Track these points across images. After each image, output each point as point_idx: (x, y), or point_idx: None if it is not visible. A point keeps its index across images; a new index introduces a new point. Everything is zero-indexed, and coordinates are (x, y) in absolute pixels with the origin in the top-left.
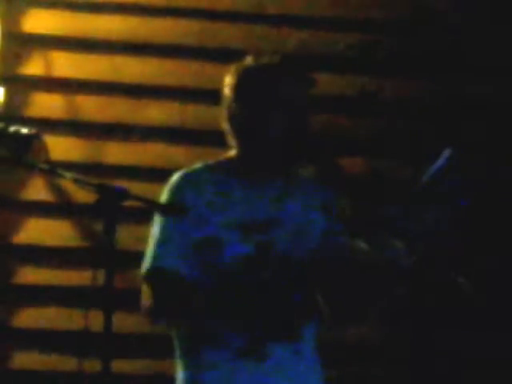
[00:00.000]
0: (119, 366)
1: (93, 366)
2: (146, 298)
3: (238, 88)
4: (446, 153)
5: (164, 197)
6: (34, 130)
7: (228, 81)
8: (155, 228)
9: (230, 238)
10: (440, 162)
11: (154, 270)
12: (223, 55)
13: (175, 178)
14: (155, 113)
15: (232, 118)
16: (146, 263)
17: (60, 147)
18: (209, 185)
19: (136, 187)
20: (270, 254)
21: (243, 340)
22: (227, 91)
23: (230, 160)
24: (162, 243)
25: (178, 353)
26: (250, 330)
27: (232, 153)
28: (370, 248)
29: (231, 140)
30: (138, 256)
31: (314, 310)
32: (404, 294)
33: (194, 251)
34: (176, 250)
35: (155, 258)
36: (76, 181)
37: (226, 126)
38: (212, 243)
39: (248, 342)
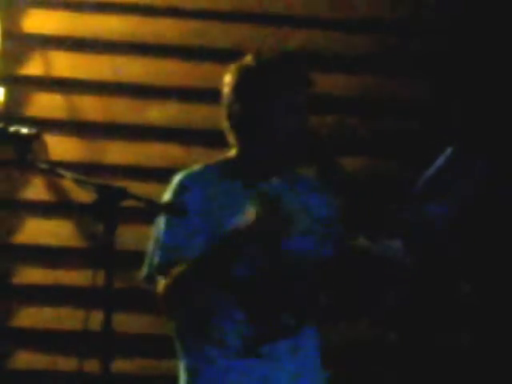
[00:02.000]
0: (119, 366)
1: (93, 366)
2: (159, 290)
3: (237, 87)
4: (448, 151)
5: (167, 198)
6: (33, 130)
7: (228, 80)
8: (160, 228)
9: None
10: (441, 159)
11: (165, 264)
12: (223, 55)
13: (177, 179)
14: (155, 113)
15: (232, 118)
16: (155, 260)
17: (60, 147)
18: (211, 186)
19: (136, 187)
20: (272, 255)
21: (244, 338)
22: (227, 90)
23: (231, 160)
24: (168, 243)
25: (179, 353)
26: (250, 328)
27: (232, 152)
28: (370, 245)
29: (231, 139)
30: (138, 256)
31: (316, 308)
32: (403, 292)
33: (199, 251)
34: (182, 250)
35: (165, 254)
36: (76, 181)
37: (226, 125)
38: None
39: (249, 340)
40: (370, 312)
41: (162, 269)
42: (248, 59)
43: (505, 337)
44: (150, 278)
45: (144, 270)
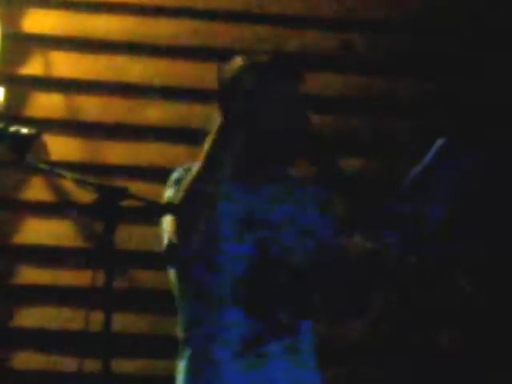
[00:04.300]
0: (119, 365)
1: (93, 366)
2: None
3: (230, 87)
4: (439, 143)
5: (166, 195)
6: (33, 130)
7: (220, 81)
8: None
9: (230, 237)
10: (432, 152)
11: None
12: (223, 55)
13: (175, 175)
14: (155, 113)
15: (225, 118)
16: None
17: (60, 147)
18: None
19: (136, 187)
20: (270, 253)
21: (242, 338)
22: (220, 91)
23: None
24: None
25: (178, 352)
26: (249, 328)
27: None
28: (367, 244)
29: None
30: (138, 256)
31: (312, 308)
32: (399, 292)
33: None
34: None
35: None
36: (76, 181)
37: None
38: (212, 243)
39: (247, 340)
40: (364, 311)
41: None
42: (240, 59)
43: (504, 336)
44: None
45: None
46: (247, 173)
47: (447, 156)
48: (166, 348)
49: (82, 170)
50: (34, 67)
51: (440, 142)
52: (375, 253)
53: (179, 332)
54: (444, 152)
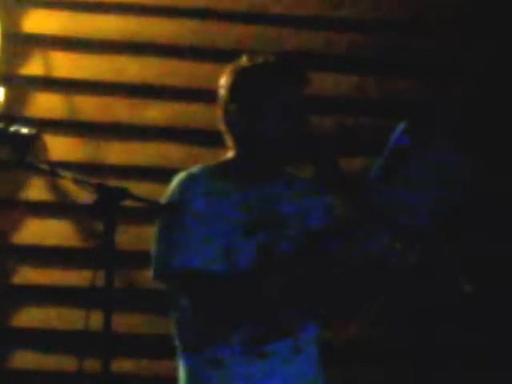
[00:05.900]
0: (119, 366)
1: (93, 365)
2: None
3: (233, 88)
4: (400, 127)
5: (166, 199)
6: (34, 130)
7: (223, 81)
8: (170, 230)
9: (232, 240)
10: (393, 138)
11: (182, 270)
12: (223, 55)
13: (177, 180)
14: (155, 113)
15: (228, 120)
16: (171, 261)
17: (60, 147)
18: (211, 187)
19: (136, 187)
20: (271, 254)
21: (245, 338)
22: (223, 92)
23: (229, 161)
24: (176, 244)
25: (178, 352)
26: (252, 328)
27: (230, 154)
28: (367, 245)
29: (229, 141)
30: (138, 256)
31: (313, 309)
32: (399, 292)
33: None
34: (197, 255)
35: (179, 259)
36: (76, 181)
37: (222, 127)
38: (215, 246)
39: (250, 340)
40: (363, 313)
41: (179, 273)
42: (243, 60)
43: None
44: (163, 277)
45: (154, 268)
46: (247, 172)
47: (410, 141)
48: (166, 348)
49: (81, 170)
50: (33, 67)
51: (400, 126)
52: (377, 253)
53: (175, 330)
54: (405, 137)
